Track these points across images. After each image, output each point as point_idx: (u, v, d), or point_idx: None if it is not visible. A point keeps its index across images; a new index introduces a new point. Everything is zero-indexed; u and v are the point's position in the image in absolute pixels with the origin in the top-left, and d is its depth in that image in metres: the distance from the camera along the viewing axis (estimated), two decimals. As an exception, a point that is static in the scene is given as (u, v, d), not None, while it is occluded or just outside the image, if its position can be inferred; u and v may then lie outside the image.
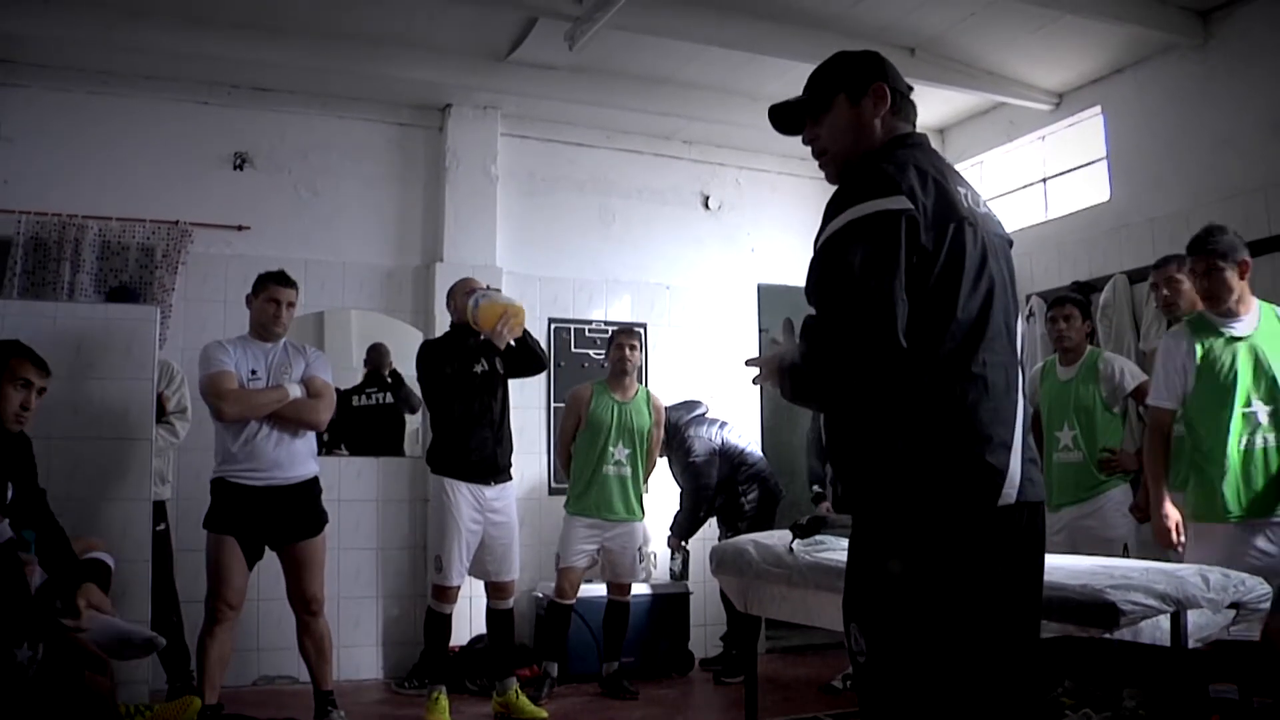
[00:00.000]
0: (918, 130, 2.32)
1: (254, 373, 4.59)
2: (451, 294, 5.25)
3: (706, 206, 7.38)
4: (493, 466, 5.11)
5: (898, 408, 2.06)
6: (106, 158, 5.88)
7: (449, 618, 5.09)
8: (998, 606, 2.10)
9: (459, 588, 5.08)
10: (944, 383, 2.05)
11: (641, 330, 6.97)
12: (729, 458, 6.24)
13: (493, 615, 5.26)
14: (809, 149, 2.34)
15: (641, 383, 6.14)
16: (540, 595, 6.23)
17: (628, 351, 5.79)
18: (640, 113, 6.77)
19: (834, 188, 2.17)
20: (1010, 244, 2.26)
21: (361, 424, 6.35)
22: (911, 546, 2.08)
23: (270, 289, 4.68)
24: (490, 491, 5.09)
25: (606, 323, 6.70)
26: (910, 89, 2.33)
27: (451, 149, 6.58)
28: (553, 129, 6.97)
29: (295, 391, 4.61)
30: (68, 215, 5.63)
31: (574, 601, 5.72)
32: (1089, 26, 5.60)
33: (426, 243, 6.61)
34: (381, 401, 6.25)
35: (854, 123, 2.25)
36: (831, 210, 2.08)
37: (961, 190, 2.14)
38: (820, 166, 2.34)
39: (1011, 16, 5.60)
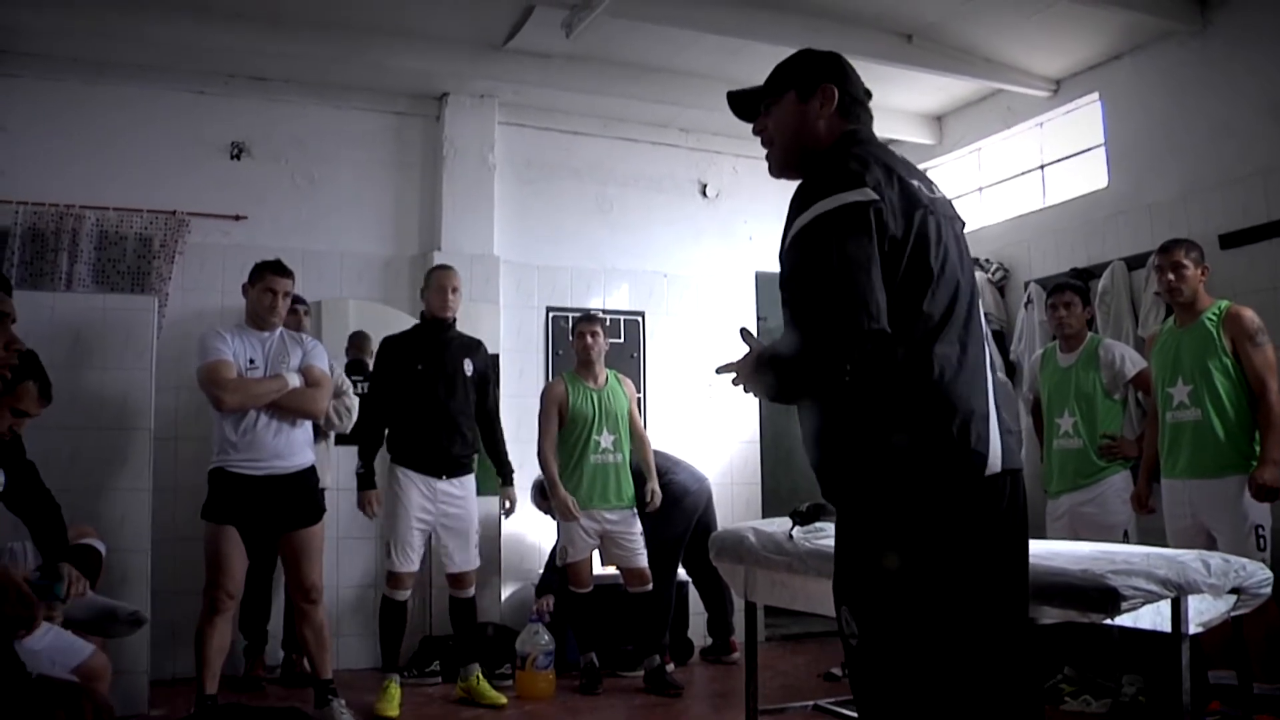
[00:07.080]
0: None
1: (252, 361, 4.58)
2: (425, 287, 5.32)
3: (704, 195, 7.37)
4: (445, 460, 5.12)
5: (879, 392, 2.10)
6: (103, 148, 5.85)
7: (403, 605, 5.10)
8: (988, 579, 2.12)
9: (411, 574, 5.09)
10: (922, 363, 2.10)
11: (639, 318, 6.99)
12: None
13: (453, 604, 5.27)
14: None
15: (615, 369, 5.99)
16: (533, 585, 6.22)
17: (589, 339, 5.70)
18: (637, 100, 6.74)
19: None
20: (962, 224, 2.32)
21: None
22: (901, 526, 2.10)
23: (267, 278, 4.67)
24: (443, 485, 5.10)
25: (605, 311, 6.68)
26: (869, 95, 2.37)
27: (449, 138, 6.56)
28: (549, 117, 6.95)
29: (294, 380, 4.60)
30: (65, 205, 5.61)
31: (591, 588, 5.62)
32: (1086, 12, 5.58)
33: (424, 232, 6.60)
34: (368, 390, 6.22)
35: (799, 119, 2.32)
36: (797, 204, 2.12)
37: (915, 181, 2.20)
38: (766, 157, 2.42)
39: (1008, 2, 5.58)
